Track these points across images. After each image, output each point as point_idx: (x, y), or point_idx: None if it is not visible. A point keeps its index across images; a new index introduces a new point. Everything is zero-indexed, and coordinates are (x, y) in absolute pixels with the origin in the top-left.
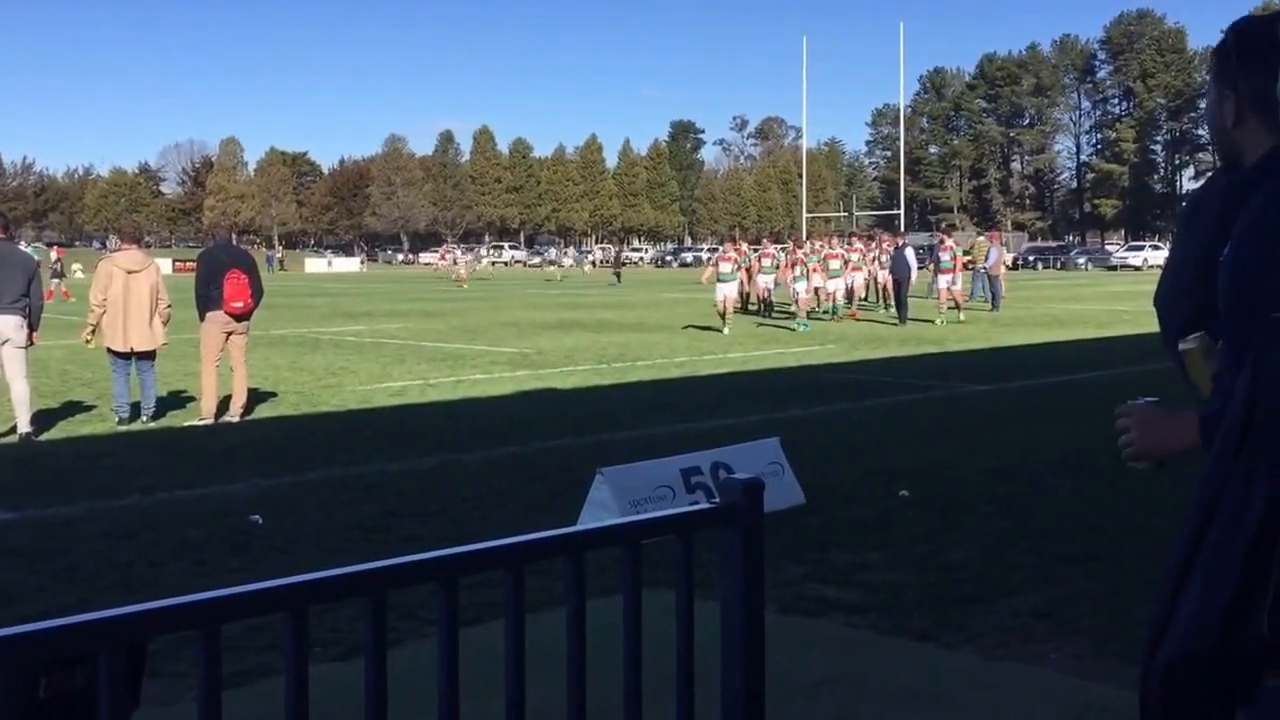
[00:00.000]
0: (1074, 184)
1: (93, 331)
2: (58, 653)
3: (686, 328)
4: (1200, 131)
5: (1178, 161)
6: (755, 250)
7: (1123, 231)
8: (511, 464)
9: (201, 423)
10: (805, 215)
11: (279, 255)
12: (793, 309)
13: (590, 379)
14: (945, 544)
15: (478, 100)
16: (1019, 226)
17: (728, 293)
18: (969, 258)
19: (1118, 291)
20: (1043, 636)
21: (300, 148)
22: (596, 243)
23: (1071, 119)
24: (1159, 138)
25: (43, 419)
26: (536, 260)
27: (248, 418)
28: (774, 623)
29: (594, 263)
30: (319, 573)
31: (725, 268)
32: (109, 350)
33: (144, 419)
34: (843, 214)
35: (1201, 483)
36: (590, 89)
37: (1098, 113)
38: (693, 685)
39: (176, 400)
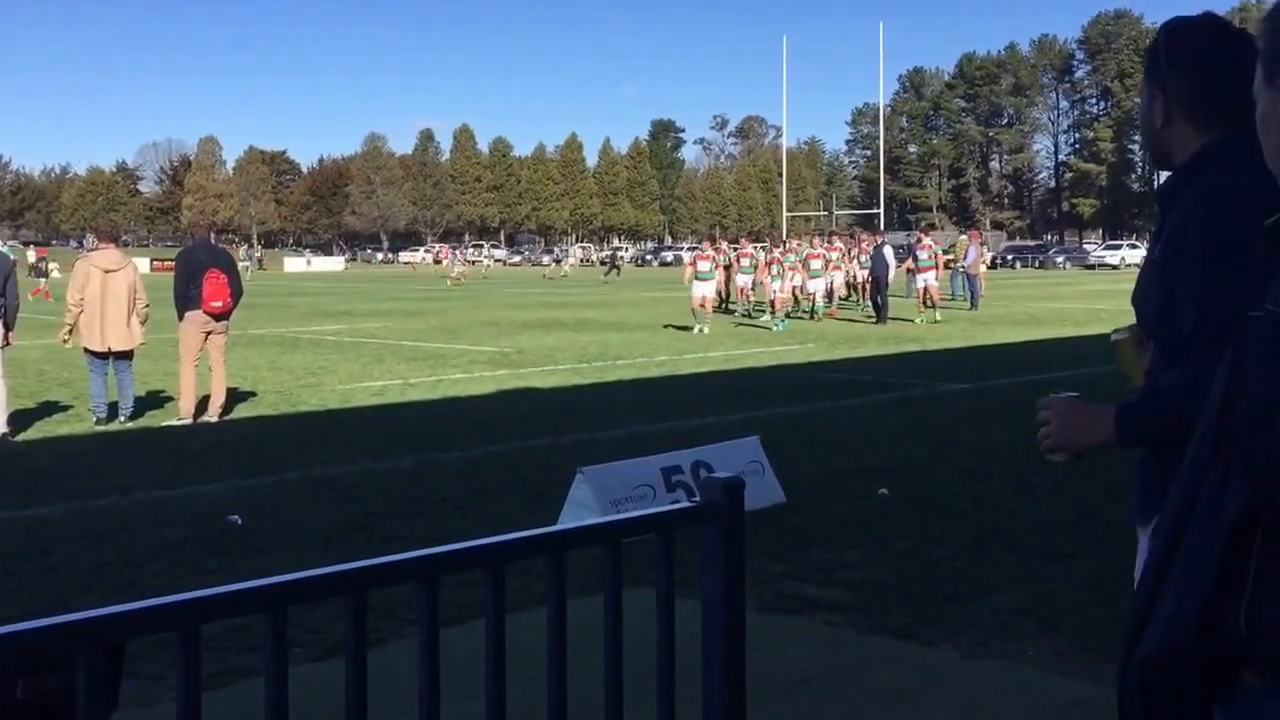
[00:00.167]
0: (1052, 183)
1: (70, 331)
2: (36, 653)
3: (666, 327)
4: None
5: None
6: (734, 249)
7: (1100, 230)
8: (492, 463)
9: (180, 422)
10: (785, 214)
11: (258, 254)
12: (769, 307)
13: (571, 378)
14: (925, 542)
15: (458, 99)
16: (997, 225)
17: (705, 292)
18: (950, 256)
19: (1096, 290)
20: (1022, 634)
21: (279, 146)
22: (577, 241)
23: (1050, 118)
24: (1136, 137)
25: (20, 419)
26: (517, 259)
27: (226, 417)
28: (754, 621)
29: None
30: (298, 573)
31: (703, 266)
32: (86, 350)
33: (122, 419)
34: (823, 213)
35: (1178, 481)
36: (570, 88)
37: (1076, 112)
38: (674, 684)
39: (155, 400)
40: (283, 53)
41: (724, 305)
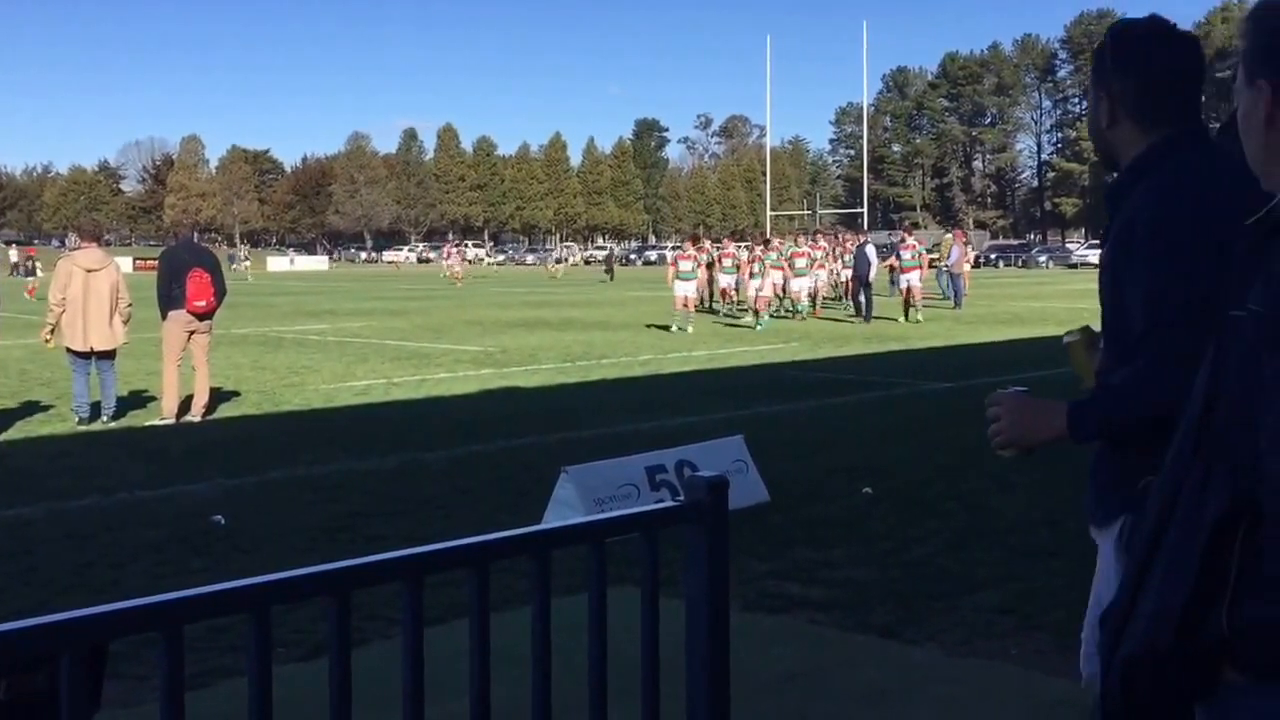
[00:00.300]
0: (1035, 182)
1: (52, 331)
2: (18, 655)
3: (649, 326)
4: None
5: None
6: (717, 248)
7: (1083, 230)
8: (476, 463)
9: (163, 422)
10: (769, 213)
11: (242, 253)
12: (749, 306)
13: (555, 377)
14: (908, 541)
15: (441, 98)
16: (981, 225)
17: (687, 292)
18: (935, 255)
19: (1078, 289)
20: (1005, 632)
21: (262, 145)
22: (561, 241)
23: (1033, 118)
24: None
25: (1, 419)
26: (500, 258)
27: (210, 417)
28: (738, 620)
29: (557, 260)
30: (282, 573)
31: (684, 266)
32: (68, 350)
33: (104, 419)
34: (806, 212)
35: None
36: (554, 87)
37: (1058, 112)
38: (658, 682)
39: (137, 400)
40: (265, 52)
41: (708, 305)
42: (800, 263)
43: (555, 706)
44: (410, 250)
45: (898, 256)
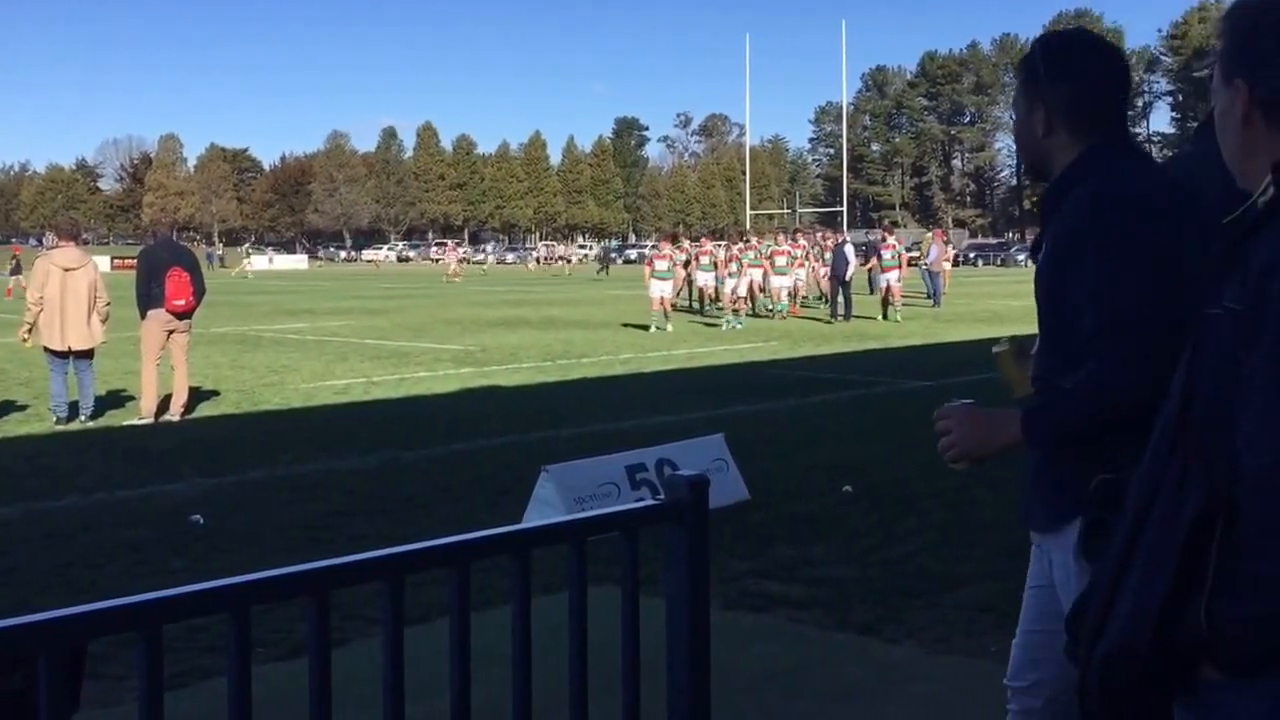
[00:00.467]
0: (1014, 181)
1: (29, 330)
2: None
3: (625, 326)
4: (1138, 130)
5: None
6: (695, 247)
7: None
8: (456, 462)
9: (141, 422)
10: (749, 212)
11: (219, 252)
12: (724, 305)
13: (535, 376)
14: (888, 539)
15: (420, 97)
16: (960, 224)
17: (663, 291)
18: (916, 254)
19: None
20: (985, 630)
21: (241, 144)
22: (541, 239)
23: (1011, 117)
24: None
25: None
26: (480, 257)
27: (188, 417)
28: (718, 618)
29: (538, 260)
30: (262, 572)
31: (660, 265)
32: (46, 349)
33: (82, 418)
34: (786, 211)
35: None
36: (534, 85)
37: None
38: (639, 681)
39: (116, 399)
40: (244, 50)
41: (693, 305)
42: (780, 261)
43: (536, 705)
44: (390, 249)
45: (878, 256)
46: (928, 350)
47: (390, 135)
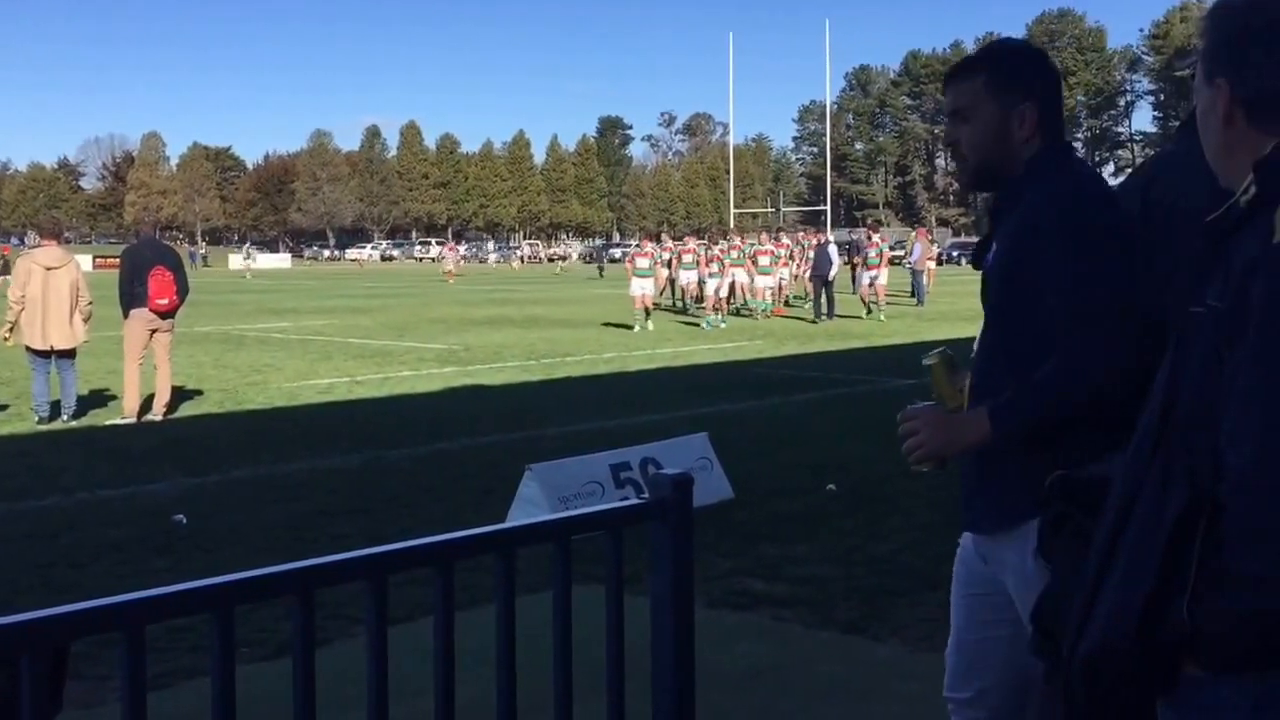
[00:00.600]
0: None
1: (11, 329)
2: None
3: (605, 325)
4: (1120, 129)
5: (1098, 158)
6: (679, 245)
7: None
8: (440, 461)
9: (124, 421)
10: (733, 211)
11: (203, 251)
12: (706, 306)
13: (519, 375)
14: (872, 537)
15: (404, 96)
16: (943, 223)
17: (645, 289)
18: (901, 253)
19: None
20: None
21: (224, 143)
22: (525, 238)
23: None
24: (1079, 135)
25: None
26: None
27: (171, 416)
28: (703, 617)
29: (522, 259)
30: (245, 572)
31: (641, 264)
32: (28, 348)
33: (64, 418)
34: (770, 210)
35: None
36: (518, 84)
37: None
38: (623, 680)
39: (98, 399)
40: (227, 48)
41: (673, 303)
42: (763, 260)
43: (520, 705)
44: (373, 248)
45: (863, 256)
46: (911, 349)
47: (374, 134)
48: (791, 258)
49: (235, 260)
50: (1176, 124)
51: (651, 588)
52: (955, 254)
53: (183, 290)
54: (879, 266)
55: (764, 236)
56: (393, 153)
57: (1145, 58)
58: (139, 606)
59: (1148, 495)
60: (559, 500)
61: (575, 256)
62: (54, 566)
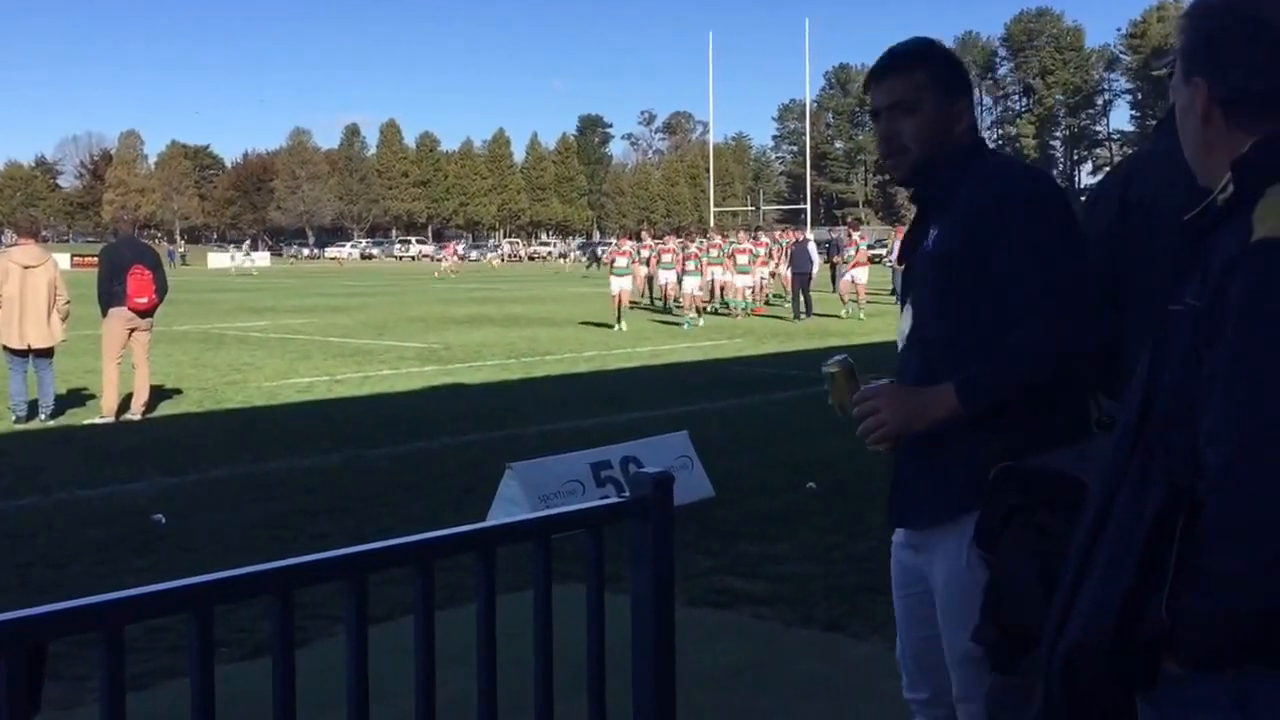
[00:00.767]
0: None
1: None
2: None
3: (583, 324)
4: (1098, 128)
5: (1076, 157)
6: (658, 244)
7: None
8: (420, 460)
9: (102, 421)
10: (713, 209)
11: (181, 250)
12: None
13: (499, 374)
14: (852, 535)
15: (384, 93)
16: None
17: (622, 287)
18: (884, 251)
19: None
20: None
21: (202, 141)
22: (505, 237)
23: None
24: (1058, 133)
25: None
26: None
27: (150, 415)
28: (683, 615)
29: (502, 257)
30: (224, 572)
31: (619, 262)
32: (5, 347)
33: (42, 417)
34: (750, 208)
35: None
36: (498, 83)
37: (999, 109)
38: (604, 678)
39: (76, 398)
40: (205, 46)
41: (651, 302)
42: (742, 259)
43: (501, 704)
44: (353, 246)
45: (842, 254)
46: (890, 346)
47: (353, 132)
48: (770, 256)
49: (215, 259)
50: (1154, 123)
51: (632, 586)
52: None
53: (161, 289)
54: (858, 264)
55: (742, 235)
56: (372, 151)
57: (1123, 57)
58: (118, 606)
59: (1127, 493)
60: (539, 499)
61: (574, 254)
62: (32, 566)
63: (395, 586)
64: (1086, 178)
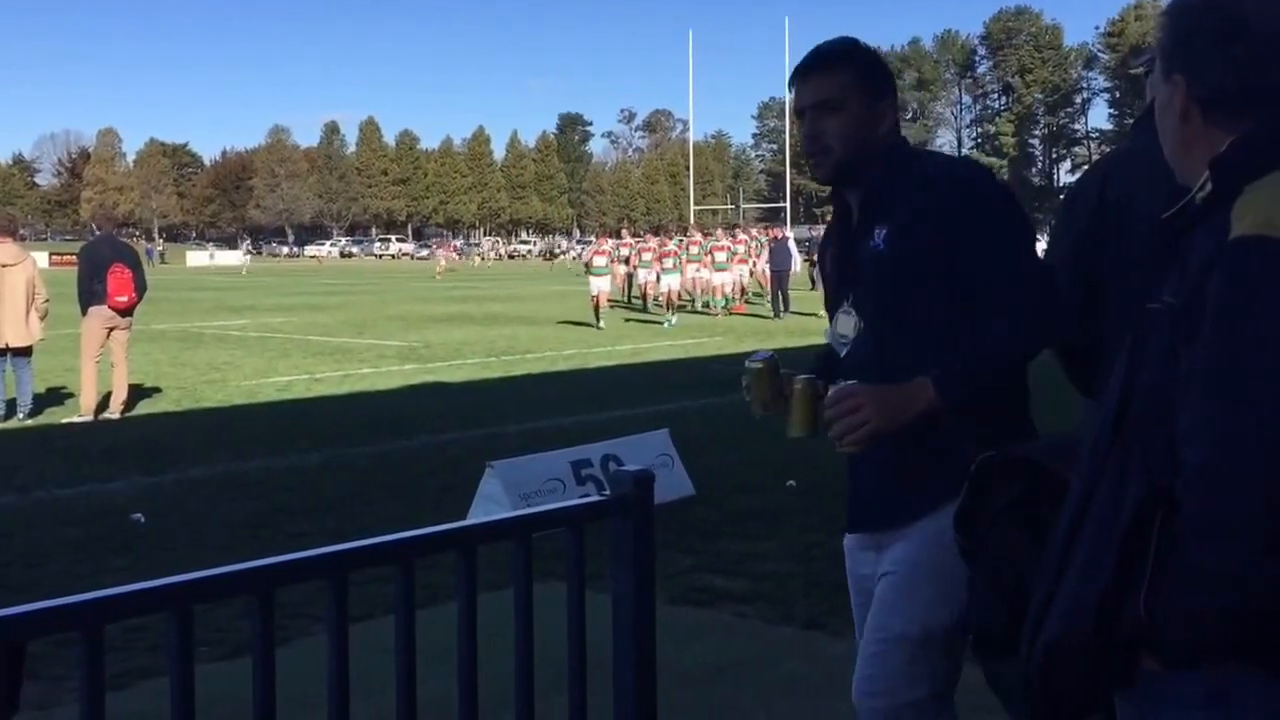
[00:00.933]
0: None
1: None
2: None
3: (565, 322)
4: (1076, 126)
5: (1055, 155)
6: (639, 242)
7: None
8: (400, 459)
9: (81, 420)
10: (693, 207)
11: (160, 248)
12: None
13: (479, 372)
14: (833, 533)
15: (363, 91)
16: None
17: (601, 287)
18: None
19: None
20: None
21: (181, 139)
22: (485, 235)
23: (953, 113)
24: (1037, 132)
25: None
26: (425, 253)
27: (129, 414)
28: (664, 613)
29: (482, 256)
30: (203, 571)
31: (598, 261)
32: None
33: (20, 416)
34: (730, 206)
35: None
36: (477, 81)
37: (978, 107)
38: (585, 677)
39: (55, 397)
40: (184, 43)
41: (630, 300)
42: (720, 256)
43: (482, 702)
44: (333, 245)
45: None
46: None
47: (332, 130)
48: (750, 254)
49: (194, 257)
50: (1132, 121)
51: (613, 585)
52: None
53: (141, 288)
54: None
55: (721, 232)
56: (352, 149)
57: (1101, 55)
58: (97, 606)
59: (1105, 491)
60: (520, 497)
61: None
62: (10, 566)
63: (376, 585)
64: (1065, 176)
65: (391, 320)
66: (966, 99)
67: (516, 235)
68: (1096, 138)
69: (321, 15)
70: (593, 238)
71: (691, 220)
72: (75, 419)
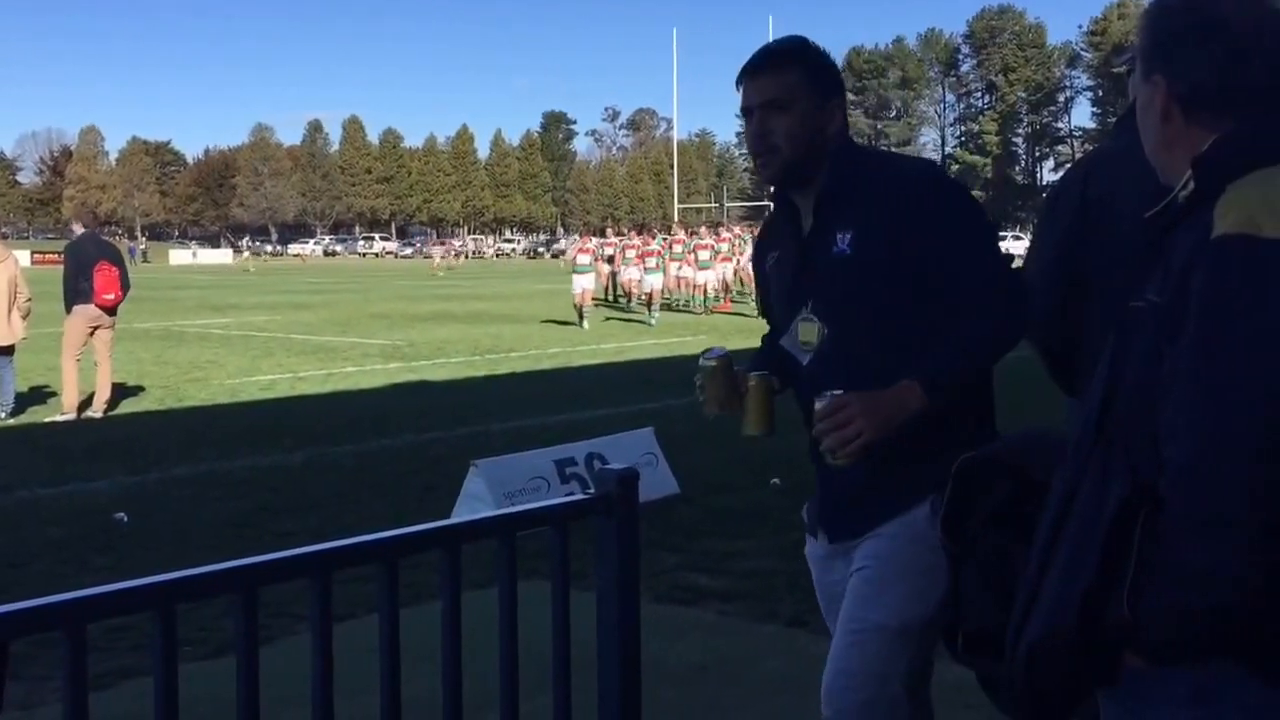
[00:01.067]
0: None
1: None
2: None
3: (545, 322)
4: (1060, 124)
5: (1038, 154)
6: (622, 241)
7: None
8: (384, 457)
9: (64, 418)
10: (677, 206)
11: (142, 246)
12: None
13: (463, 371)
14: None
15: (347, 90)
16: None
17: (585, 285)
18: None
19: None
20: None
21: (163, 137)
22: (470, 233)
23: (936, 111)
24: (1020, 130)
25: None
26: (409, 251)
27: (111, 413)
28: (648, 612)
29: (465, 254)
30: (187, 570)
31: (582, 260)
32: None
33: (2, 415)
34: (714, 205)
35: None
36: (461, 79)
37: (962, 105)
38: (569, 675)
39: (37, 395)
40: (166, 41)
41: (613, 299)
42: (704, 255)
43: (467, 701)
44: (316, 243)
45: None
46: None
47: (316, 128)
48: (733, 251)
49: (176, 256)
50: (1114, 120)
51: (597, 583)
52: None
53: (125, 286)
54: None
55: (705, 230)
56: (335, 147)
57: (1084, 54)
58: (80, 605)
59: (1088, 488)
60: (504, 496)
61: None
62: None
63: (359, 584)
64: (1048, 174)
65: (375, 319)
66: (950, 97)
67: (500, 234)
68: (1080, 136)
69: (305, 13)
70: (575, 236)
71: (676, 218)
72: (58, 418)
